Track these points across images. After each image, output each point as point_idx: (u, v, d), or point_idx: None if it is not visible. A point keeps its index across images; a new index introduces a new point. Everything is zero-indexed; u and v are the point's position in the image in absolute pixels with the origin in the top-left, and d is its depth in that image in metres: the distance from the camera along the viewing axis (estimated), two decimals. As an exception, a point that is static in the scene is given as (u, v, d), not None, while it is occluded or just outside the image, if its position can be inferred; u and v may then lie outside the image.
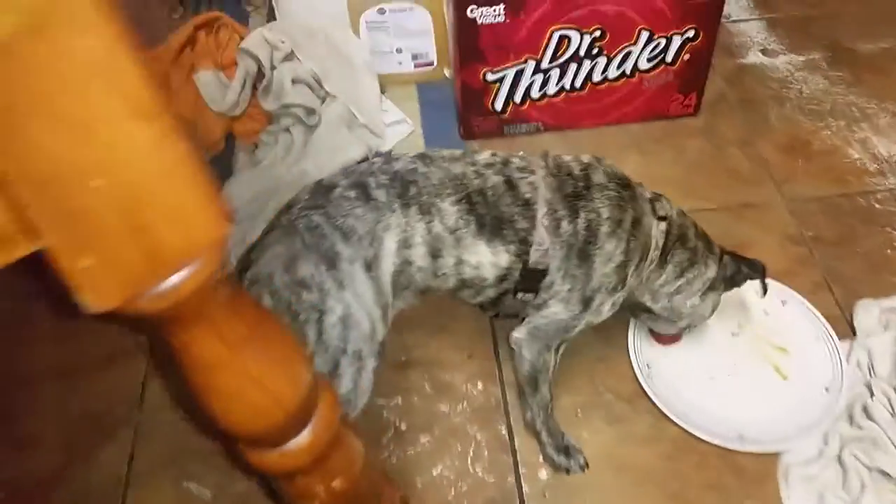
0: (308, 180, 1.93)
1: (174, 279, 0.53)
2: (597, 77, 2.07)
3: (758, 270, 1.56)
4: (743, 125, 2.22)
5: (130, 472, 1.57)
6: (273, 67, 2.06)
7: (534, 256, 1.35)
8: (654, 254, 1.47)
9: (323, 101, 2.14)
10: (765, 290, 1.58)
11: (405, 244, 1.30)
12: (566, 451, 1.54)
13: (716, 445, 1.54)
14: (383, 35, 2.21)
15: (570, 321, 1.44)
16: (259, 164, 2.04)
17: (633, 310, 1.63)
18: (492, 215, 1.33)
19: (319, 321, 1.27)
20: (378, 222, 1.28)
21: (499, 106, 2.10)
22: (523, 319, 1.49)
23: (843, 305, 1.78)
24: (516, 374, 1.55)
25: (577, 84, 2.08)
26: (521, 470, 1.54)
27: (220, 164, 2.14)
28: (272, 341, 0.64)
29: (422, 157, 1.38)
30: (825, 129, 2.19)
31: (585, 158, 1.46)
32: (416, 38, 2.22)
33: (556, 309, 1.42)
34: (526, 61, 2.00)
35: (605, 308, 1.44)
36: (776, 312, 1.77)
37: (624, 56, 2.03)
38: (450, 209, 1.31)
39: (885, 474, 1.47)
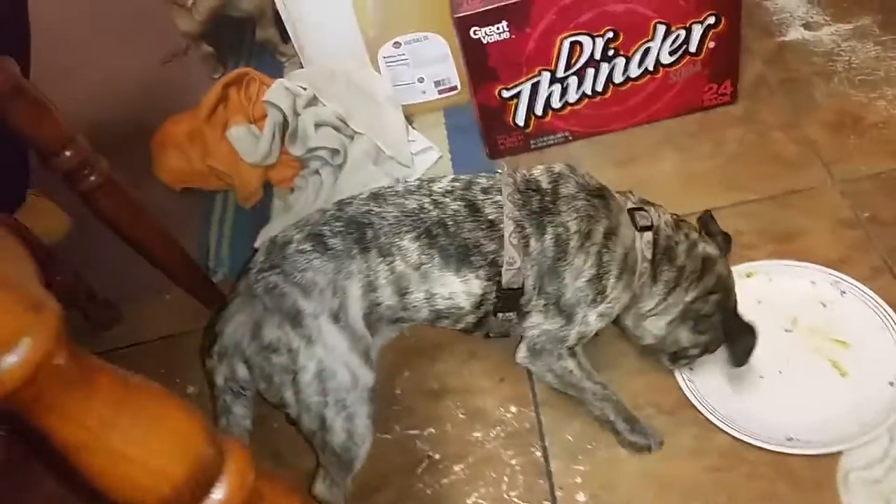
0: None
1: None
2: (618, 78, 2.00)
3: (735, 337, 1.40)
4: (786, 107, 2.08)
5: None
6: (297, 114, 2.13)
7: (506, 277, 1.32)
8: (642, 267, 1.40)
9: (351, 139, 2.19)
10: (735, 363, 1.44)
11: (370, 287, 1.30)
12: (644, 432, 1.49)
13: (766, 450, 1.43)
14: (403, 67, 2.24)
15: (558, 332, 1.40)
16: (292, 208, 2.10)
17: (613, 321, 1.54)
18: (455, 245, 1.31)
19: (294, 381, 1.28)
20: (339, 272, 1.28)
21: (520, 121, 2.07)
22: (521, 338, 1.46)
23: (912, 293, 1.62)
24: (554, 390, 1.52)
25: (599, 88, 2.02)
26: (558, 493, 1.49)
27: (260, 213, 2.22)
28: (147, 416, 0.64)
29: (374, 196, 1.37)
30: (879, 100, 2.03)
31: (557, 168, 1.43)
32: (435, 65, 2.23)
33: (537, 320, 1.40)
34: (540, 73, 1.96)
35: (592, 319, 1.39)
36: (834, 303, 1.64)
37: (643, 53, 1.96)
38: (410, 246, 1.30)
39: (962, 473, 1.32)
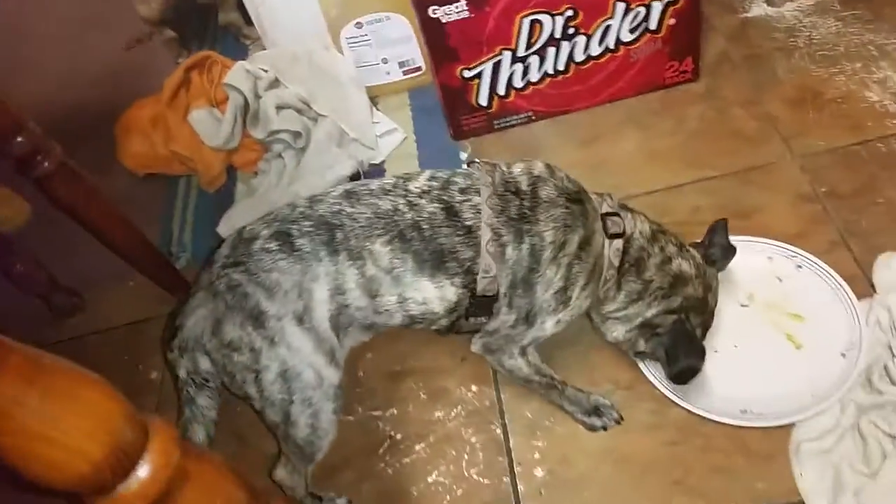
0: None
1: None
2: (579, 57, 2.00)
3: (677, 358, 1.38)
4: (748, 84, 2.09)
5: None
6: (258, 97, 2.11)
7: (482, 285, 1.30)
8: (608, 273, 1.38)
9: (315, 121, 2.17)
10: (669, 378, 1.43)
11: (338, 291, 1.28)
12: (596, 411, 1.50)
13: (722, 424, 1.45)
14: (366, 48, 2.22)
15: (514, 334, 1.40)
16: (255, 192, 2.09)
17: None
18: (430, 249, 1.28)
19: (257, 380, 1.27)
20: (305, 274, 1.26)
21: (483, 101, 2.06)
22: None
23: (863, 263, 1.64)
24: None
25: (561, 67, 2.01)
26: (517, 469, 1.50)
27: (224, 197, 2.20)
28: (61, 395, 0.63)
29: (348, 195, 1.33)
30: (839, 75, 2.03)
31: (537, 170, 1.38)
32: (398, 45, 2.22)
33: (495, 325, 1.39)
34: (501, 53, 1.95)
35: (548, 326, 1.39)
36: (790, 278, 1.66)
37: (604, 31, 1.95)
38: (381, 250, 1.27)
39: (910, 441, 1.34)
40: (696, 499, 1.39)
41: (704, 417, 1.46)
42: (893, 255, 1.61)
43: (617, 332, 1.48)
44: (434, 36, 1.91)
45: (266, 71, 2.13)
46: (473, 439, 1.57)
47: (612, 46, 1.99)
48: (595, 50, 1.99)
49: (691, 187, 1.86)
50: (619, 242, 1.38)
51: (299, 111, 2.13)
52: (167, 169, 2.32)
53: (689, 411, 1.47)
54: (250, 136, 2.14)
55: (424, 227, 1.29)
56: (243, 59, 2.29)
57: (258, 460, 1.62)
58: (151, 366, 1.89)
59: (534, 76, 2.03)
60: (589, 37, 1.96)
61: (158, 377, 1.86)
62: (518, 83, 2.04)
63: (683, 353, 1.39)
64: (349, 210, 1.30)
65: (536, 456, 1.51)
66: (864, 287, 1.59)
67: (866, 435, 1.38)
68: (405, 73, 2.29)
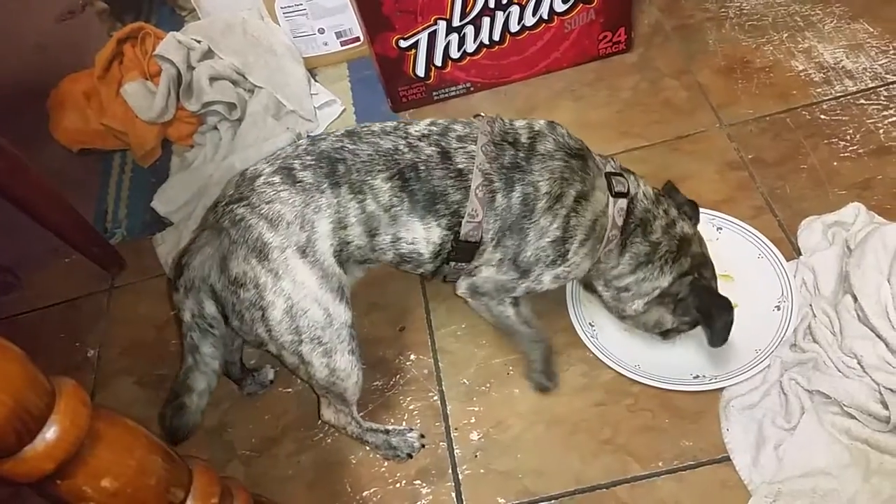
0: (235, 175, 1.96)
1: None
2: (514, 27, 2.01)
3: (711, 318, 1.36)
4: (679, 54, 2.13)
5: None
6: (191, 68, 2.07)
7: (465, 229, 1.29)
8: (611, 233, 1.36)
9: (251, 93, 2.15)
10: (713, 343, 1.39)
11: (340, 224, 1.26)
12: (552, 377, 1.53)
13: (653, 386, 1.49)
14: (302, 18, 2.20)
15: (507, 282, 1.38)
16: (190, 165, 2.06)
17: (587, 288, 1.55)
18: (424, 191, 1.28)
19: (264, 318, 1.26)
20: (307, 205, 1.24)
21: (420, 72, 2.07)
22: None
23: (788, 227, 1.70)
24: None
25: (496, 37, 2.02)
26: (454, 434, 1.54)
27: (159, 171, 2.17)
28: None
29: (349, 133, 1.32)
30: (767, 45, 2.09)
31: (538, 126, 1.37)
32: (335, 15, 2.20)
33: (487, 274, 1.38)
34: (436, 22, 1.95)
35: (546, 279, 1.38)
36: (714, 241, 1.69)
37: (537, 1, 1.96)
38: (382, 186, 1.27)
39: (825, 395, 1.41)
40: (625, 456, 1.44)
41: (663, 389, 1.48)
42: (817, 218, 1.67)
43: (635, 305, 1.45)
44: (367, 4, 1.90)
45: (199, 42, 2.10)
46: (411, 406, 1.60)
47: (546, 17, 2.00)
48: (529, 20, 2.00)
49: (624, 156, 1.89)
50: (623, 202, 1.36)
51: (234, 82, 2.11)
52: (101, 144, 2.27)
53: (645, 385, 1.49)
54: (185, 108, 2.10)
55: (421, 168, 1.28)
56: (179, 31, 2.25)
57: (196, 435, 1.62)
58: (88, 343, 1.87)
59: (470, 47, 2.03)
60: (523, 7, 1.97)
61: (95, 354, 1.85)
62: (455, 54, 2.04)
63: (716, 310, 1.36)
64: (351, 147, 1.30)
65: (472, 420, 1.55)
66: (789, 250, 1.65)
67: (788, 391, 1.44)
68: (343, 43, 2.28)
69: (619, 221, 1.36)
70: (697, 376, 1.50)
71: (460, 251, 1.33)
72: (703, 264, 1.44)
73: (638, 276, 1.42)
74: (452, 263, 1.37)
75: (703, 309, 1.38)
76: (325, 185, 1.26)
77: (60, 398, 0.69)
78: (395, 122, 1.35)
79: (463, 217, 1.29)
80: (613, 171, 1.40)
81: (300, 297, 1.25)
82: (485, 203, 1.29)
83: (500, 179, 1.30)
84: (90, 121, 2.24)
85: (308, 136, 2.12)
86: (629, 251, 1.40)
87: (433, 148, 1.30)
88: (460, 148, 1.31)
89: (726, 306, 1.36)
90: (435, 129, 1.34)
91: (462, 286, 1.44)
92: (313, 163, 1.28)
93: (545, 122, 1.39)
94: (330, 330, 1.29)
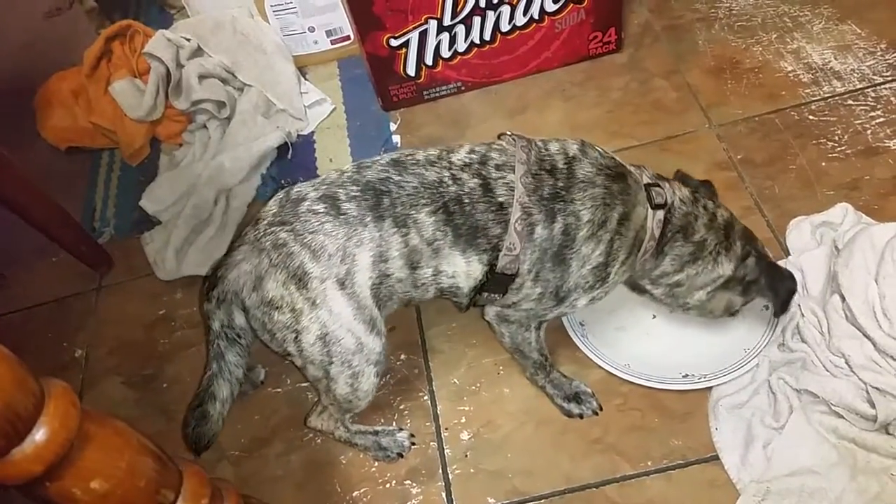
0: (225, 175, 1.96)
1: None
2: (505, 27, 2.01)
3: (778, 288, 1.40)
4: (669, 54, 2.14)
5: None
6: (181, 66, 2.06)
7: (502, 262, 1.28)
8: (648, 244, 1.35)
9: (241, 91, 2.14)
10: (777, 313, 1.45)
11: (381, 258, 1.26)
12: (576, 398, 1.52)
13: (644, 386, 1.50)
14: (292, 16, 2.19)
15: (540, 311, 1.38)
16: (179, 164, 2.05)
17: (635, 289, 1.53)
18: (468, 224, 1.26)
19: (297, 340, 1.27)
20: (349, 238, 1.24)
21: (411, 71, 2.06)
22: None
23: (776, 227, 1.71)
24: (500, 343, 1.51)
25: (487, 37, 2.02)
26: (444, 434, 1.54)
27: (147, 170, 2.16)
28: None
29: (395, 163, 1.31)
30: (756, 45, 2.10)
31: (572, 150, 1.34)
32: (325, 14, 2.19)
33: (527, 307, 1.37)
34: (427, 21, 1.95)
35: (581, 303, 1.37)
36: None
37: (528, 1, 1.96)
38: (426, 220, 1.26)
39: (813, 395, 1.42)
40: (614, 456, 1.45)
41: (653, 388, 1.49)
42: (805, 219, 1.68)
43: (697, 296, 1.44)
44: (358, 3, 1.89)
45: (188, 39, 2.09)
46: (402, 406, 1.60)
47: (536, 16, 2.01)
48: (520, 20, 2.00)
49: (614, 156, 1.90)
50: (661, 213, 1.35)
51: (223, 80, 2.10)
52: (90, 142, 2.26)
53: (635, 384, 1.50)
54: (174, 106, 2.09)
55: (465, 201, 1.27)
56: (168, 29, 2.23)
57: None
58: (76, 343, 1.86)
59: (461, 46, 2.03)
60: (514, 6, 1.97)
61: (83, 354, 1.83)
62: (445, 53, 2.04)
63: (780, 282, 1.41)
64: (396, 178, 1.29)
65: (463, 420, 1.55)
66: (777, 250, 1.66)
67: (776, 390, 1.45)
68: (333, 42, 2.27)
69: (657, 233, 1.35)
70: (687, 375, 1.51)
71: (495, 283, 1.32)
72: (751, 238, 1.45)
73: (688, 272, 1.41)
74: (486, 294, 1.36)
75: (771, 286, 1.41)
76: (369, 219, 1.26)
77: (49, 400, 0.69)
78: (437, 151, 1.33)
79: (501, 250, 1.28)
80: (650, 181, 1.39)
81: (335, 326, 1.27)
82: (523, 237, 1.27)
83: (539, 212, 1.27)
84: (78, 119, 2.22)
85: (298, 135, 2.12)
86: (669, 255, 1.39)
87: (476, 180, 1.28)
88: (500, 178, 1.29)
89: (790, 275, 1.42)
90: (475, 157, 1.32)
91: (490, 313, 1.44)
92: (358, 194, 1.27)
93: (577, 144, 1.36)
94: (360, 356, 1.31)
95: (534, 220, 1.27)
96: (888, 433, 1.36)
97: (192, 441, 1.38)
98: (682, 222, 1.37)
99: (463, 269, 1.30)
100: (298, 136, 2.13)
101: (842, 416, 1.38)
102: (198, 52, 2.10)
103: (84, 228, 1.95)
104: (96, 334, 1.87)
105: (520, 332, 1.44)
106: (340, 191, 1.27)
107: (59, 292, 1.98)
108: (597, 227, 1.28)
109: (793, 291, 1.41)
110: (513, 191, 1.27)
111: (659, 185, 1.37)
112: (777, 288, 1.40)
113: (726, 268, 1.40)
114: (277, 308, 1.26)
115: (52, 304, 1.97)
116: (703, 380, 1.49)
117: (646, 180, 1.38)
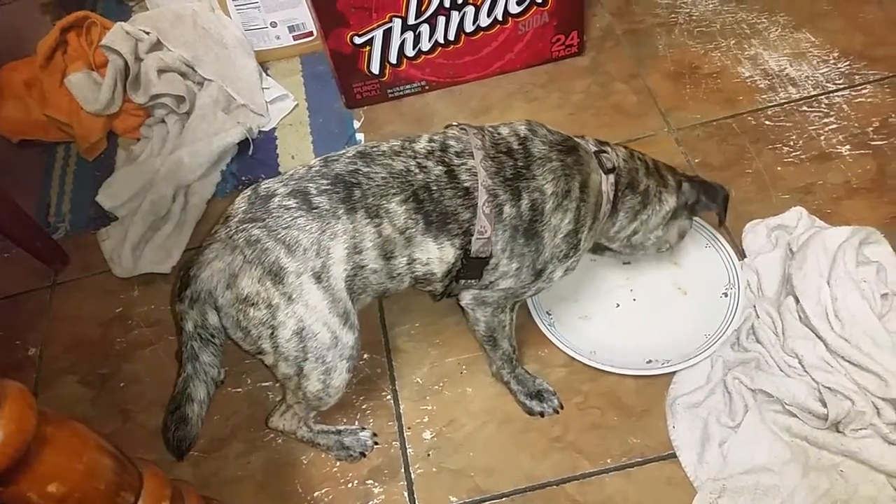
0: (184, 170, 1.93)
1: None
2: (469, 27, 2.02)
3: (716, 197, 1.52)
4: (630, 58, 2.17)
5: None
6: (139, 59, 2.02)
7: (475, 246, 1.31)
8: (606, 207, 1.42)
9: (200, 86, 2.11)
10: (722, 220, 1.55)
11: (355, 250, 1.27)
12: (539, 395, 1.53)
13: (600, 380, 1.53)
14: (254, 11, 2.16)
15: (518, 289, 1.41)
16: (137, 159, 2.01)
17: (594, 250, 1.60)
18: (438, 211, 1.29)
19: (273, 336, 1.26)
20: (323, 231, 1.25)
21: (375, 69, 2.06)
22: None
23: (733, 230, 1.75)
24: (473, 332, 1.52)
25: (451, 37, 2.03)
26: (406, 433, 1.54)
27: (104, 165, 2.12)
28: None
29: (361, 155, 1.32)
30: (714, 51, 2.14)
31: (522, 131, 1.39)
32: (288, 9, 2.17)
33: (505, 285, 1.40)
34: (391, 20, 1.95)
35: (557, 275, 1.41)
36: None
37: (492, 2, 1.97)
38: (398, 209, 1.27)
39: (767, 394, 1.46)
40: (574, 454, 1.47)
41: (618, 374, 1.53)
42: (761, 221, 1.73)
43: (653, 236, 1.54)
44: None
45: (147, 33, 2.05)
46: (364, 406, 1.59)
47: (500, 18, 2.02)
48: (484, 21, 2.01)
49: (576, 158, 1.92)
50: (612, 176, 1.42)
51: (183, 75, 2.07)
52: (44, 135, 2.20)
53: (599, 370, 1.53)
54: (132, 100, 2.05)
55: (433, 188, 1.29)
56: (126, 22, 2.19)
57: (142, 436, 1.60)
58: (30, 341, 1.82)
59: (425, 45, 2.03)
60: (478, 7, 1.98)
61: (37, 353, 1.79)
62: (410, 52, 2.04)
63: (716, 194, 1.53)
64: (365, 169, 1.29)
65: (425, 419, 1.55)
66: (734, 253, 1.70)
67: (731, 390, 1.48)
68: (296, 38, 2.25)
69: (611, 195, 1.43)
70: (650, 361, 1.55)
71: (470, 268, 1.35)
72: (671, 167, 1.56)
73: (641, 219, 1.50)
74: (462, 281, 1.39)
75: (709, 197, 1.53)
76: (342, 211, 1.26)
77: (5, 401, 0.67)
78: (400, 141, 1.35)
79: (472, 234, 1.31)
80: (596, 148, 1.45)
81: (312, 320, 1.26)
82: (492, 218, 1.31)
83: (505, 192, 1.31)
84: (32, 111, 2.17)
85: (259, 131, 2.10)
86: (622, 210, 1.47)
87: (440, 167, 1.31)
88: (461, 165, 1.32)
89: (720, 185, 1.55)
90: (435, 145, 1.34)
91: (466, 297, 1.45)
92: (329, 187, 1.27)
93: (525, 125, 1.41)
94: (334, 350, 1.31)
95: (500, 200, 1.31)
96: (838, 431, 1.40)
97: (174, 445, 1.37)
98: (628, 179, 1.46)
99: (436, 255, 1.32)
100: (259, 132, 2.11)
101: (795, 415, 1.42)
102: (157, 45, 2.06)
103: (38, 224, 1.90)
104: (51, 332, 1.83)
105: (496, 314, 1.46)
106: (311, 185, 1.28)
107: (12, 289, 1.93)
108: (561, 197, 1.34)
109: (727, 197, 1.53)
110: (475, 176, 1.31)
111: (605, 151, 1.45)
112: (716, 199, 1.53)
113: (671, 202, 1.51)
114: (253, 304, 1.25)
115: (5, 301, 1.92)
116: (665, 365, 1.53)
117: (592, 148, 1.45)
